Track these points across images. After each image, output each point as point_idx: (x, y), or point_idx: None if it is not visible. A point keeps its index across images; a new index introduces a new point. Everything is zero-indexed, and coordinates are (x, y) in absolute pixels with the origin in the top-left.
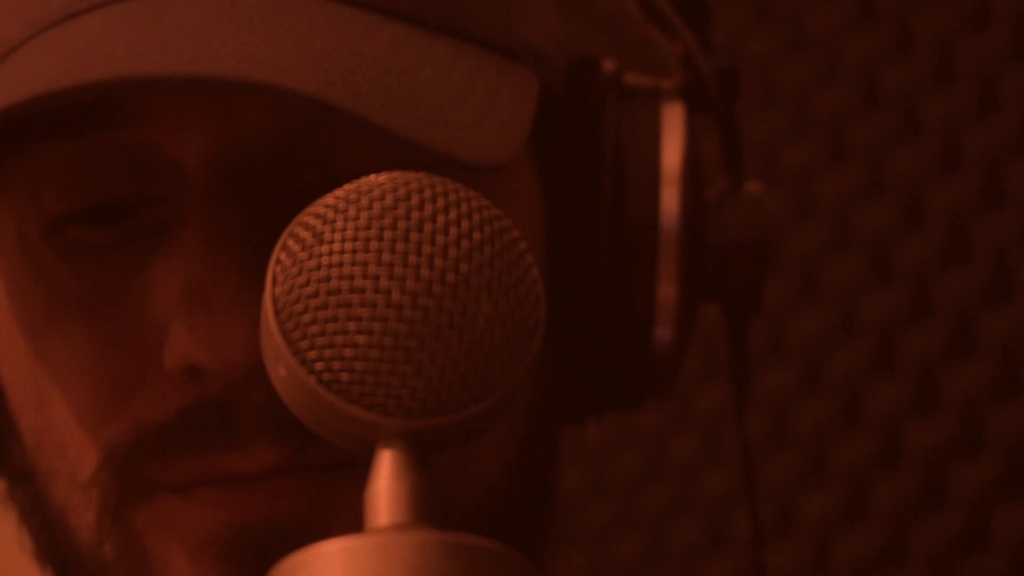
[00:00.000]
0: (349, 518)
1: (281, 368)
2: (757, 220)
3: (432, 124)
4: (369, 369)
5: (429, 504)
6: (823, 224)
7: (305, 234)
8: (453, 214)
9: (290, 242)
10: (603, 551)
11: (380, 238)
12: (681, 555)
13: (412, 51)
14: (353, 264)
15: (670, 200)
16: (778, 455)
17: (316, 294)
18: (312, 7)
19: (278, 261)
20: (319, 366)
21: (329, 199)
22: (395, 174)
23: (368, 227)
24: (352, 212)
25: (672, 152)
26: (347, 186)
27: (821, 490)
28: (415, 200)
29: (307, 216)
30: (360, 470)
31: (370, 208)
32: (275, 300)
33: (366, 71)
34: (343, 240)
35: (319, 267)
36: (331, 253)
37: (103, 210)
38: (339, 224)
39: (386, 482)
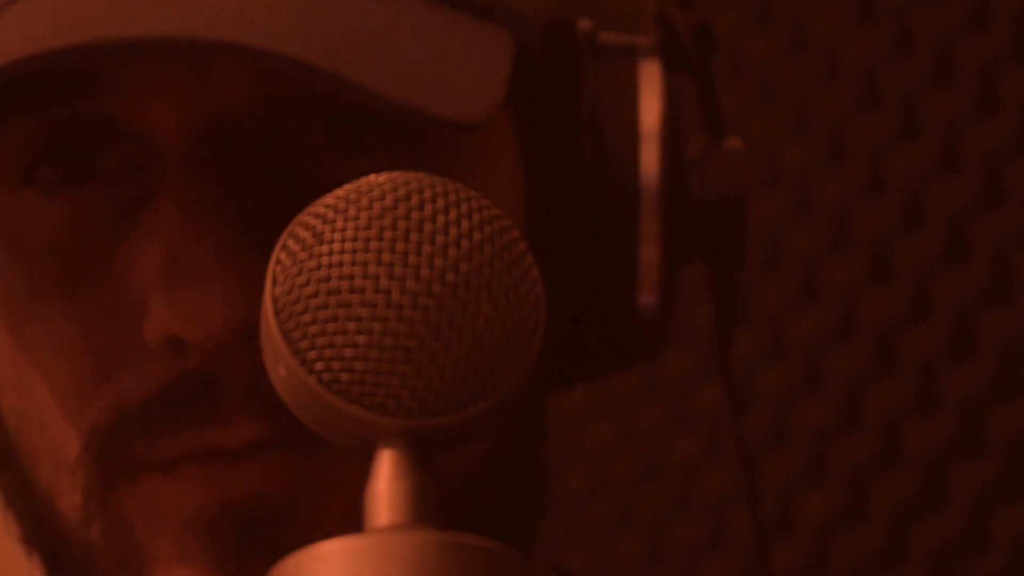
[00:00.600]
0: (336, 494)
1: (281, 368)
2: (737, 176)
3: (409, 82)
4: (369, 369)
5: (429, 504)
6: (823, 224)
7: (305, 234)
8: (453, 214)
9: (290, 242)
10: (603, 551)
11: (380, 238)
12: (681, 555)
13: (387, 10)
14: (353, 264)
15: (650, 158)
16: (778, 455)
17: (316, 294)
18: None
19: (278, 261)
20: (319, 366)
21: (329, 199)
22: (395, 174)
23: (368, 227)
24: (352, 212)
25: (650, 110)
26: (347, 186)
27: (821, 490)
28: (415, 200)
29: (307, 216)
30: (338, 452)
31: (370, 208)
32: (275, 300)
33: (341, 30)
34: (343, 240)
35: (319, 267)
36: (331, 253)
37: (78, 179)
38: (339, 224)
39: (386, 482)
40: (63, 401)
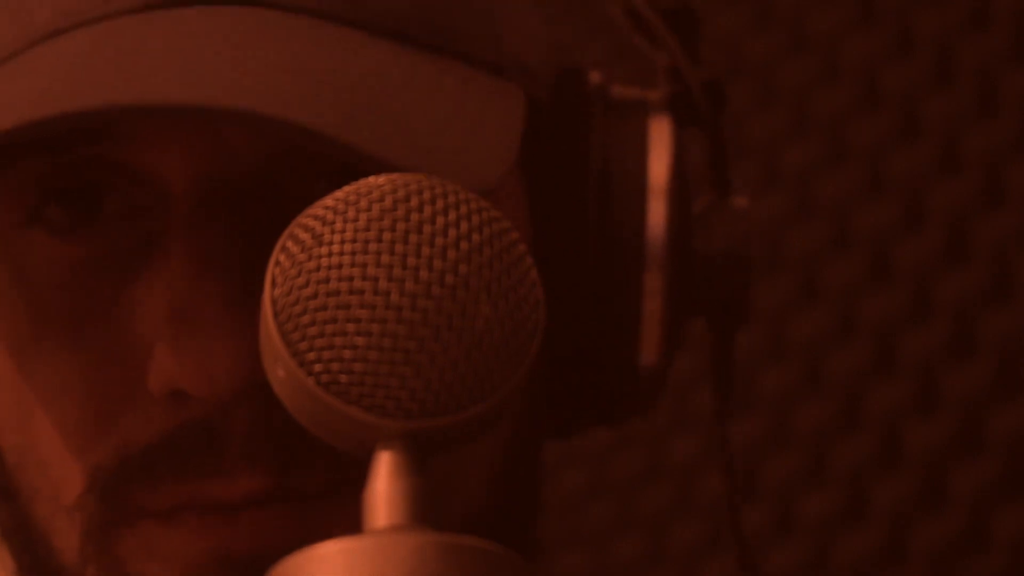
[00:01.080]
0: None
1: (280, 369)
2: (743, 233)
3: (420, 150)
4: (368, 371)
5: (428, 506)
6: (823, 224)
7: (304, 236)
8: (452, 216)
9: (289, 244)
10: (603, 551)
11: (379, 240)
12: (681, 555)
13: (400, 71)
14: (352, 266)
15: (657, 214)
16: (778, 455)
17: (315, 295)
18: (297, 26)
19: (277, 263)
20: (318, 368)
21: (328, 201)
22: (394, 176)
23: (367, 229)
24: (351, 214)
25: (659, 165)
26: (346, 188)
27: (821, 490)
28: (414, 202)
29: (306, 218)
30: (344, 500)
31: (369, 210)
32: (274, 302)
33: (353, 95)
34: (342, 242)
35: (318, 268)
36: (330, 255)
37: (86, 221)
38: (338, 226)
39: (385, 483)
40: (65, 442)
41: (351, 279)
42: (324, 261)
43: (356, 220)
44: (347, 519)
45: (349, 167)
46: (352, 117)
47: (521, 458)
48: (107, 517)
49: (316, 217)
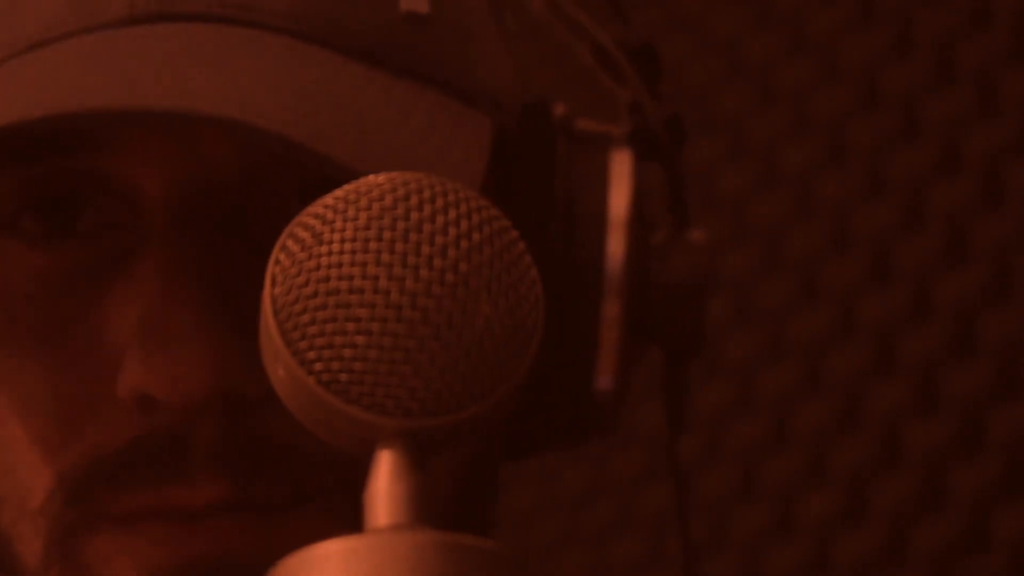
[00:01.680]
0: None
1: (280, 368)
2: (699, 265)
3: (391, 166)
4: (368, 369)
5: (428, 504)
6: (823, 224)
7: (304, 234)
8: (452, 214)
9: (289, 242)
10: (603, 551)
11: (379, 238)
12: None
13: (374, 92)
14: (352, 264)
15: (616, 245)
16: (778, 455)
17: (315, 294)
18: (276, 44)
19: (277, 261)
20: (318, 366)
21: (328, 199)
22: (394, 174)
23: (367, 227)
24: (351, 212)
25: (619, 198)
26: (346, 186)
27: (821, 490)
28: (414, 200)
29: (306, 216)
30: (307, 512)
31: (369, 208)
32: (274, 300)
33: (330, 111)
34: (342, 240)
35: (318, 267)
36: (330, 253)
37: (61, 232)
38: (338, 224)
39: (385, 482)
40: (33, 446)
41: (351, 278)
42: (324, 260)
43: (356, 219)
44: (310, 531)
45: (322, 181)
46: (328, 130)
47: (476, 480)
48: (71, 522)
49: (316, 216)
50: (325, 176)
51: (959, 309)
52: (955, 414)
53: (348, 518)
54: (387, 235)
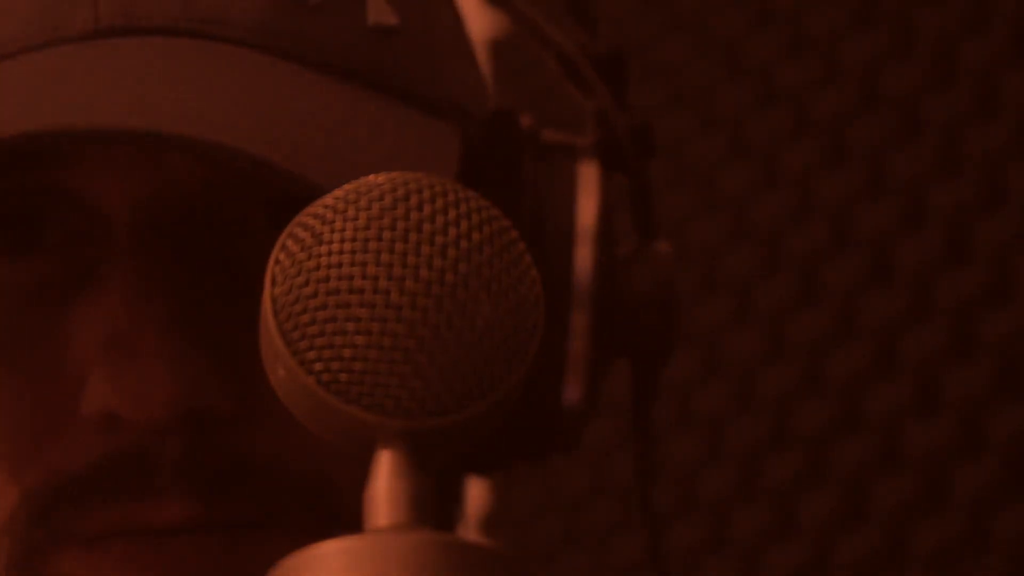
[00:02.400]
0: None
1: (280, 368)
2: (665, 279)
3: (355, 179)
4: (368, 369)
5: (428, 505)
6: (823, 224)
7: (304, 234)
8: (452, 214)
9: (289, 243)
10: (604, 551)
11: (379, 238)
12: (681, 555)
13: (342, 106)
14: (352, 265)
15: (583, 257)
16: (778, 455)
17: (315, 294)
18: (242, 59)
19: (277, 261)
20: (318, 366)
21: (328, 199)
22: (394, 174)
23: (367, 227)
24: (351, 212)
25: (586, 210)
26: (346, 186)
27: (821, 490)
28: (414, 200)
29: (306, 217)
30: (274, 532)
31: (369, 208)
32: (274, 300)
33: (295, 125)
34: (342, 240)
35: (318, 267)
36: (330, 254)
37: (25, 247)
38: (338, 224)
39: (385, 483)
40: None
41: (351, 278)
42: (324, 260)
43: (356, 219)
44: (277, 551)
45: (287, 195)
46: (289, 146)
47: (440, 493)
48: (36, 542)
49: (316, 216)
50: (290, 190)
51: (959, 309)
52: (955, 414)
53: (318, 540)
54: (387, 235)
